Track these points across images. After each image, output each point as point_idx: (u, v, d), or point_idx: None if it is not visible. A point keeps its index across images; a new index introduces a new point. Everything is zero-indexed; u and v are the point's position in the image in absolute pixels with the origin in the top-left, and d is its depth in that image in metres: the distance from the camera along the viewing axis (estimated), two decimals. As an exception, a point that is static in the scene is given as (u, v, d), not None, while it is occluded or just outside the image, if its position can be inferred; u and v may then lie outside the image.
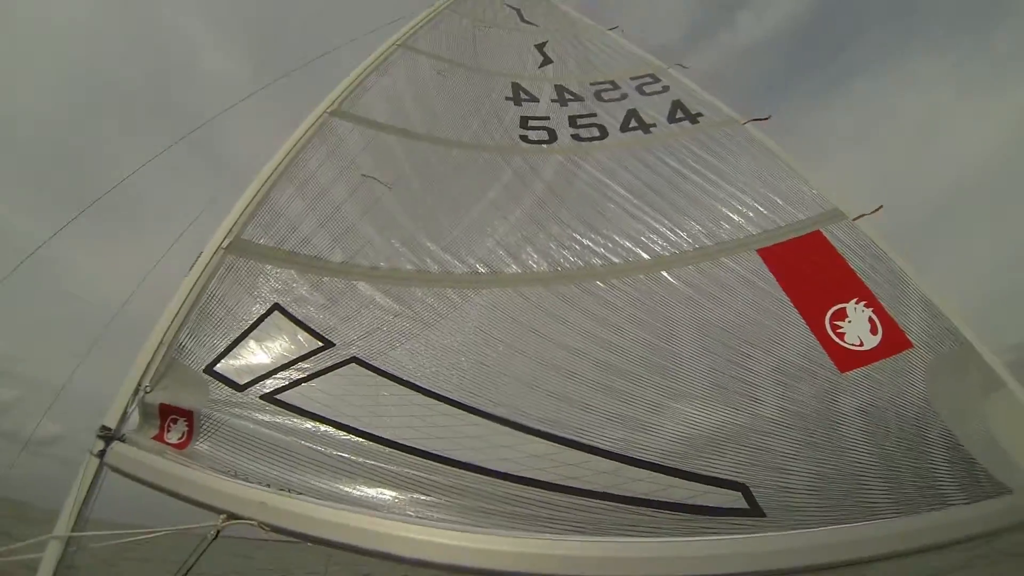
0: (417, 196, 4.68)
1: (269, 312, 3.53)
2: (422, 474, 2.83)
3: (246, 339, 3.40)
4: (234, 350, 3.34)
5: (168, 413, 3.03)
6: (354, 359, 3.35)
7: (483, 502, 2.75)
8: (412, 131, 5.16)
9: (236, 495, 2.63)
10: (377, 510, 2.66)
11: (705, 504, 2.67)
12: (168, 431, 3.00)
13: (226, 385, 3.16)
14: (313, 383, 3.21)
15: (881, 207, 3.86)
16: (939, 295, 3.43)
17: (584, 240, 4.29)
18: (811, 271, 3.77)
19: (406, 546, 2.45)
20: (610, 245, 4.20)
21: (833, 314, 3.46)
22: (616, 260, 4.09)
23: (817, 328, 3.41)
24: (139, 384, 3.06)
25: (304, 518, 2.56)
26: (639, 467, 2.85)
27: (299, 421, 3.03)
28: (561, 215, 4.55)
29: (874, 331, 3.34)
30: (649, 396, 3.20)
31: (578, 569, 2.35)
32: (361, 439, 2.96)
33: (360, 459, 2.88)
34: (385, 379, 3.27)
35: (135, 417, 3.00)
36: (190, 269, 3.60)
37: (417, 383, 3.26)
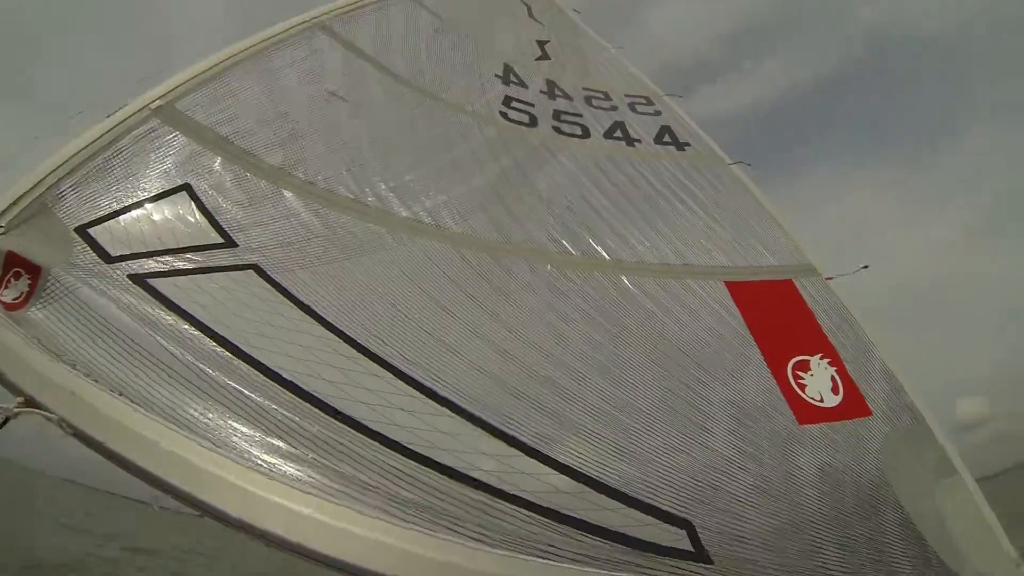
0: (378, 130, 4.26)
1: (176, 189, 3.04)
2: (293, 417, 2.22)
3: (138, 209, 2.90)
4: (120, 217, 2.83)
5: (13, 264, 2.52)
6: (254, 267, 2.85)
7: (361, 471, 2.13)
8: (393, 71, 4.72)
9: (46, 376, 2.09)
10: (220, 447, 2.05)
11: (642, 538, 2.21)
12: (5, 286, 2.47)
13: (94, 251, 2.65)
14: (198, 278, 2.70)
15: (867, 266, 3.73)
16: (902, 371, 3.31)
17: (544, 223, 3.90)
18: (778, 316, 3.57)
19: (245, 503, 1.88)
20: (570, 235, 3.83)
21: (796, 364, 3.24)
22: (574, 252, 3.71)
23: (779, 373, 3.18)
24: None
25: (122, 428, 1.97)
26: (567, 475, 2.37)
27: (164, 315, 2.47)
28: (523, 193, 4.18)
29: (835, 391, 3.15)
30: (590, 398, 2.79)
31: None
32: (233, 356, 2.38)
33: (222, 379, 2.27)
34: (283, 298, 2.75)
35: None
36: (106, 117, 3.13)
37: (320, 312, 2.71)
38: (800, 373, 3.18)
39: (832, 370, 3.23)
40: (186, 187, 3.07)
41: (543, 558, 2.05)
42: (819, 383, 3.15)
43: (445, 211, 3.71)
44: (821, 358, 3.28)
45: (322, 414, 2.28)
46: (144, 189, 2.98)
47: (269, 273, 2.83)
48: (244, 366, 2.35)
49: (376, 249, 3.30)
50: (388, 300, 3.03)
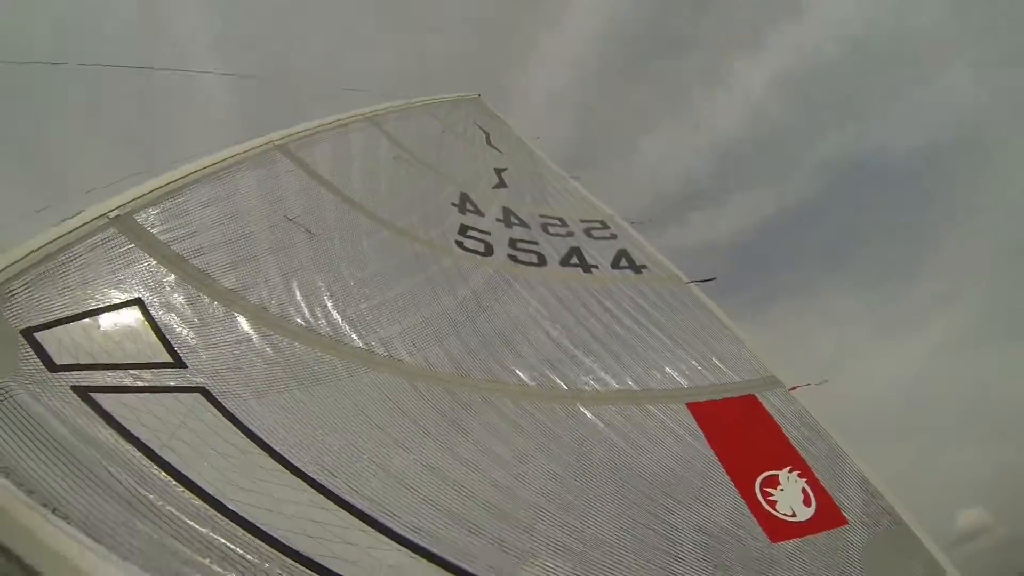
0: (334, 257, 4.28)
1: (128, 303, 2.96)
2: (236, 550, 2.07)
3: (88, 319, 2.79)
4: (68, 324, 2.71)
5: None
6: (202, 390, 2.74)
7: None
8: (350, 197, 4.84)
9: None
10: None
11: None
12: None
13: (39, 357, 2.51)
14: (142, 397, 2.57)
15: (826, 380, 3.69)
16: (876, 474, 3.25)
17: (500, 355, 3.88)
18: (743, 433, 3.50)
19: None
20: (527, 367, 3.80)
21: (764, 480, 3.15)
22: (531, 383, 3.67)
23: (747, 492, 3.08)
24: None
25: (35, 540, 1.72)
26: None
27: (104, 432, 2.31)
28: (479, 324, 4.16)
29: (807, 503, 3.06)
30: (553, 533, 2.65)
31: None
32: (176, 482, 2.23)
33: (162, 504, 2.12)
34: (231, 425, 2.64)
35: None
36: (64, 220, 3.09)
37: (268, 442, 2.60)
38: (769, 489, 3.08)
39: (802, 482, 3.14)
40: (138, 302, 3.02)
41: None
42: (790, 497, 3.05)
43: (399, 342, 3.68)
44: (790, 471, 3.19)
45: (265, 545, 2.13)
46: (96, 299, 2.91)
47: (218, 398, 2.73)
48: (186, 493, 2.20)
49: (328, 379, 3.23)
50: (340, 433, 2.92)
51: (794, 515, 2.96)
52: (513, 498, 2.77)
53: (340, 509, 2.40)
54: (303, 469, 2.52)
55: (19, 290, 2.70)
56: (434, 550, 2.35)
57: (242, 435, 2.60)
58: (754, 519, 2.90)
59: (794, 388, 3.74)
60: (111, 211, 3.27)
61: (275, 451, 2.57)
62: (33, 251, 2.84)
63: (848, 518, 2.96)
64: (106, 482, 2.08)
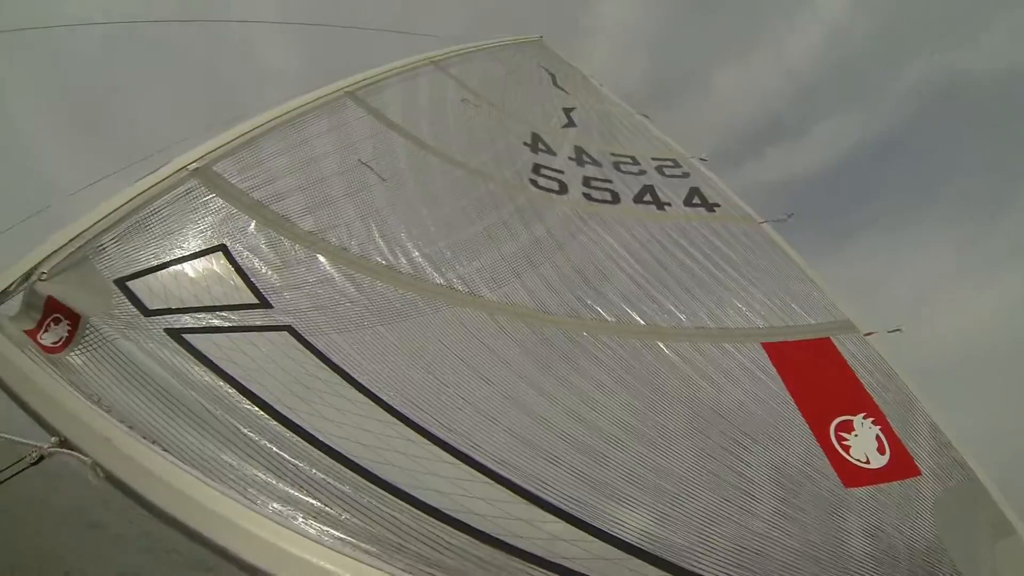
0: (409, 199, 4.39)
1: (212, 249, 3.13)
2: (328, 478, 2.22)
3: (175, 266, 2.97)
4: (157, 272, 2.90)
5: (53, 310, 2.56)
6: (289, 328, 2.90)
7: (395, 534, 2.11)
8: (421, 140, 4.91)
9: (82, 419, 2.08)
10: (252, 503, 2.02)
11: None
12: (45, 330, 2.51)
13: (132, 304, 2.69)
14: (232, 337, 2.73)
15: (900, 329, 3.65)
16: (949, 425, 3.23)
17: (578, 290, 3.94)
18: (817, 376, 3.50)
19: (278, 560, 1.84)
20: (604, 302, 3.86)
21: (839, 424, 3.18)
22: (609, 318, 3.73)
23: (821, 435, 3.11)
24: (35, 267, 2.58)
25: (154, 478, 1.95)
26: (608, 543, 2.33)
27: (199, 371, 2.50)
28: (557, 260, 4.23)
29: (882, 450, 3.08)
30: (628, 464, 2.75)
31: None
32: (267, 415, 2.40)
33: (256, 437, 2.29)
34: (318, 361, 2.78)
35: (15, 302, 2.52)
36: (146, 176, 3.23)
37: (355, 376, 2.75)
38: (843, 434, 3.11)
39: (876, 429, 3.16)
40: (222, 247, 3.18)
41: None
42: (864, 443, 3.08)
43: (479, 278, 3.79)
44: (864, 417, 3.21)
45: (357, 476, 2.27)
46: (181, 247, 3.08)
47: (304, 336, 2.88)
48: (277, 426, 2.36)
49: (411, 315, 3.36)
50: (424, 367, 3.04)
51: (868, 462, 2.99)
52: (591, 429, 2.88)
53: (427, 442, 2.54)
54: (389, 402, 2.66)
55: (109, 244, 2.87)
56: (516, 480, 2.47)
57: (329, 370, 2.74)
58: (828, 462, 2.95)
59: (869, 334, 3.71)
60: (191, 163, 3.41)
61: (362, 385, 2.70)
62: (120, 206, 3.00)
63: (921, 469, 2.97)
64: (204, 419, 2.26)
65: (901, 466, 2.99)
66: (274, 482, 2.12)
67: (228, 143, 3.69)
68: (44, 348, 2.42)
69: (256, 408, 2.40)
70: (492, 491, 2.42)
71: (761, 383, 3.39)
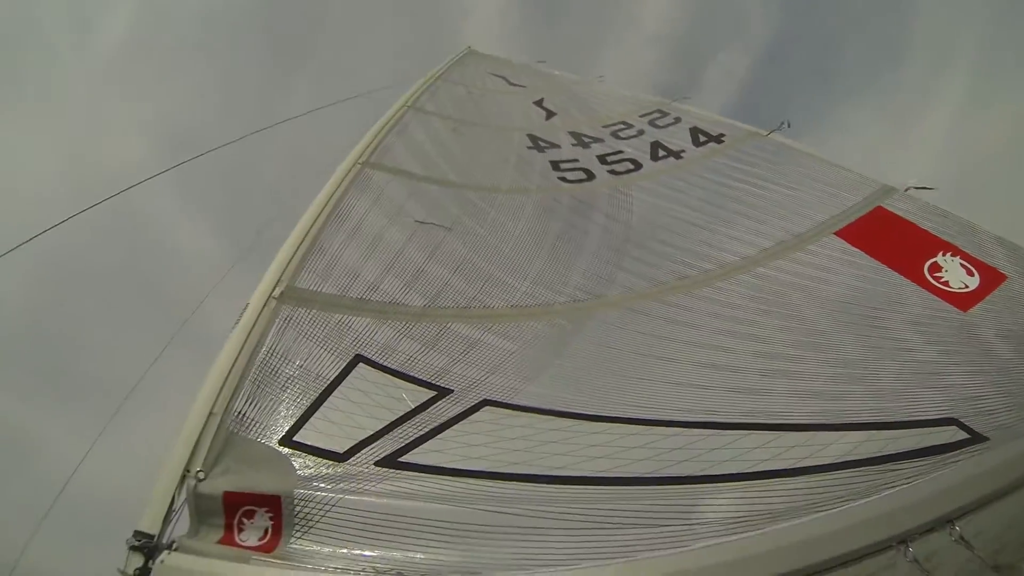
0: (480, 237, 4.67)
1: (351, 365, 3.06)
2: (617, 501, 2.39)
3: (329, 398, 2.86)
4: (315, 414, 2.77)
5: (239, 504, 2.32)
6: (485, 401, 2.96)
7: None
8: (449, 180, 5.24)
9: None
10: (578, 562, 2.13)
11: (932, 444, 2.67)
12: (241, 530, 2.28)
13: (319, 456, 2.54)
14: (444, 436, 2.71)
15: (934, 188, 4.36)
16: (1006, 233, 3.89)
17: (667, 256, 4.49)
18: (890, 239, 4.14)
19: None
20: (696, 256, 4.42)
21: (929, 267, 3.81)
22: (709, 267, 4.30)
23: (923, 283, 3.74)
24: (186, 469, 2.35)
25: None
26: (850, 431, 2.83)
27: (437, 481, 2.45)
28: (632, 239, 4.76)
29: (971, 273, 3.70)
30: (815, 369, 3.31)
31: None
32: (545, 484, 2.48)
33: (563, 510, 2.36)
34: (534, 415, 2.91)
35: (184, 517, 2.29)
36: (235, 325, 3.04)
37: (568, 410, 2.94)
38: (937, 274, 3.72)
39: (957, 259, 3.77)
40: (359, 358, 3.09)
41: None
42: (955, 274, 3.69)
43: (590, 282, 4.25)
44: (944, 254, 3.83)
45: (617, 487, 2.48)
46: (320, 376, 2.94)
47: (504, 401, 2.96)
48: (570, 488, 2.47)
49: (571, 337, 3.74)
50: (605, 370, 3.44)
51: (966, 287, 3.62)
52: (774, 358, 3.43)
53: (651, 427, 2.85)
54: (603, 415, 2.92)
55: (245, 407, 2.70)
56: (762, 420, 2.92)
57: (550, 416, 2.91)
58: (941, 300, 3.58)
59: (908, 189, 4.41)
60: (272, 291, 3.30)
61: (572, 413, 2.92)
62: (233, 366, 2.84)
63: (1007, 273, 3.61)
64: (492, 523, 2.23)
65: (991, 278, 3.62)
66: (581, 536, 2.24)
67: (294, 255, 3.60)
68: (258, 549, 2.21)
69: (528, 484, 2.47)
70: (752, 438, 2.79)
71: (856, 265, 3.99)
